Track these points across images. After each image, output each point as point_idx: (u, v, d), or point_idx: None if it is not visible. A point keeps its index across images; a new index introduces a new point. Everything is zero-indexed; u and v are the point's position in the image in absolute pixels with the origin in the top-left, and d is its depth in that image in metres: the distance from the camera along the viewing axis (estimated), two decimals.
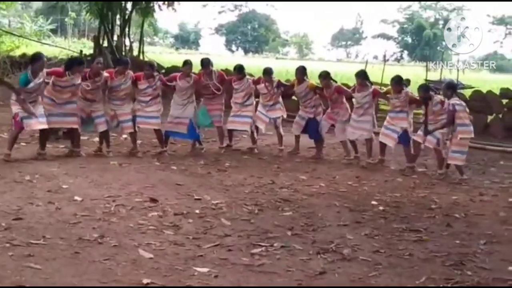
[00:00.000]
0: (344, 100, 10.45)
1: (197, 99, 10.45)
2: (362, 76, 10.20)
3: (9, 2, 32.83)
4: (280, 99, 10.79)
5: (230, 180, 8.38)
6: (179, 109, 10.08)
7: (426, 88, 9.85)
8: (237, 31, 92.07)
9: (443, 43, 59.90)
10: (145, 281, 4.51)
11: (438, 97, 9.51)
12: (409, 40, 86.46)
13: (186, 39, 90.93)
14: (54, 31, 55.38)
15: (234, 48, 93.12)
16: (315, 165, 9.85)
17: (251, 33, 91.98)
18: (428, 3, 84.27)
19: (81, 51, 25.16)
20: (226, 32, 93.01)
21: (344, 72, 22.93)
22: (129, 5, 24.68)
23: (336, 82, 10.74)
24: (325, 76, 10.40)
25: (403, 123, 9.77)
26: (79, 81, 9.04)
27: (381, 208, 7.27)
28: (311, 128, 10.64)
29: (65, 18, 58.69)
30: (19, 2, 45.03)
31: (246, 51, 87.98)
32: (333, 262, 5.22)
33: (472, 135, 9.32)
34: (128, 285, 4.45)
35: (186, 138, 10.48)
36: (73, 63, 9.20)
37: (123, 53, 23.49)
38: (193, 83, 10.08)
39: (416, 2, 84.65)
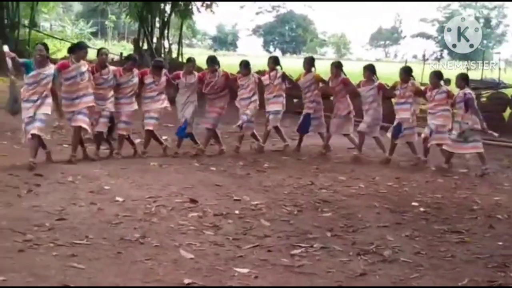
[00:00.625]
0: (347, 95, 10.54)
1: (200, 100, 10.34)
2: (370, 69, 10.33)
3: (51, 6, 33.46)
4: (283, 93, 10.65)
5: (269, 180, 8.40)
6: (180, 110, 10.05)
7: (438, 73, 9.99)
8: (275, 32, 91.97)
9: (484, 41, 58.89)
10: (186, 281, 4.55)
11: (446, 87, 9.82)
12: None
13: (224, 41, 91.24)
14: (94, 34, 56.09)
15: (271, 49, 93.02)
16: (354, 166, 9.80)
17: (288, 34, 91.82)
18: (468, 2, 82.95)
19: (121, 53, 25.52)
20: (264, 33, 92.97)
21: (383, 72, 22.72)
22: (168, 7, 24.91)
23: (345, 75, 10.77)
24: (337, 65, 10.62)
25: (405, 113, 9.92)
26: (85, 68, 8.77)
27: (422, 209, 7.20)
28: (303, 122, 10.74)
29: (105, 21, 59.40)
30: (60, 6, 45.76)
31: (283, 52, 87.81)
32: (373, 263, 5.19)
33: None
34: (170, 285, 4.50)
35: (178, 136, 10.23)
36: (75, 47, 9.09)
37: (162, 55, 23.72)
38: (196, 81, 10.02)
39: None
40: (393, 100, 11.05)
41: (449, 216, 6.93)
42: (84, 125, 8.76)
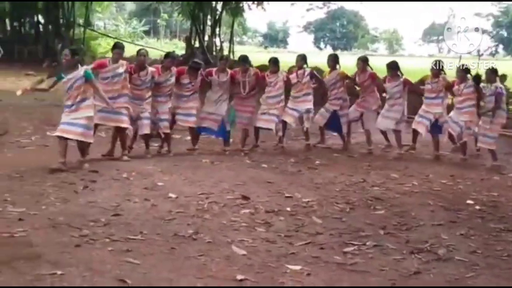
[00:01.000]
0: (375, 89, 10.50)
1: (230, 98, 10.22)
2: (393, 67, 10.28)
3: (105, 5, 34.09)
4: (311, 91, 10.50)
5: (321, 178, 8.36)
6: (213, 106, 9.88)
7: (465, 68, 9.96)
8: (326, 28, 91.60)
9: None
10: (239, 277, 4.58)
11: (471, 82, 9.80)
12: (505, 33, 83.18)
13: (274, 38, 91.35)
14: (147, 33, 56.95)
15: (322, 45, 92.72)
16: (407, 163, 9.67)
17: (339, 30, 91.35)
18: None
19: (173, 51, 25.79)
20: (315, 29, 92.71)
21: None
22: (219, 5, 25.06)
23: (372, 69, 10.73)
24: (364, 59, 10.60)
25: (438, 108, 9.97)
26: (123, 69, 8.71)
27: (477, 207, 7.07)
28: (333, 120, 10.65)
29: (158, 20, 60.26)
30: (114, 5, 46.56)
31: (334, 48, 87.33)
32: (427, 262, 5.12)
33: (505, 121, 9.87)
34: (223, 281, 4.53)
35: (215, 135, 10.22)
36: (114, 46, 9.16)
37: (214, 53, 23.90)
38: (228, 79, 9.90)
39: None
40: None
41: (505, 215, 6.78)
42: (124, 125, 8.80)
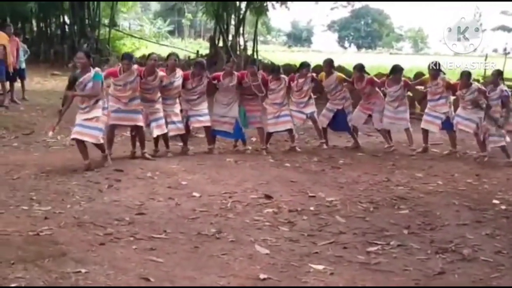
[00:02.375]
0: (378, 90, 10.59)
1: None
2: (397, 70, 10.41)
3: (130, 6, 34.32)
4: (312, 94, 10.56)
5: (344, 177, 8.33)
6: (224, 108, 9.85)
7: (468, 74, 9.97)
8: (350, 27, 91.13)
9: None
10: (262, 276, 4.58)
11: (476, 85, 9.95)
12: None
13: (298, 37, 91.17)
14: (171, 33, 57.20)
15: (346, 44, 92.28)
16: (431, 162, 9.60)
17: (364, 29, 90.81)
18: None
19: (197, 51, 25.91)
20: (339, 28, 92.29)
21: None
22: (243, 5, 25.06)
23: (368, 74, 10.81)
24: (359, 68, 10.58)
25: (444, 108, 10.14)
26: (133, 77, 8.63)
27: (503, 207, 6.99)
28: (340, 119, 10.63)
29: (182, 20, 60.47)
30: (139, 5, 46.84)
31: (359, 47, 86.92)
32: (452, 262, 5.08)
33: None
34: (246, 280, 4.54)
35: (232, 138, 10.27)
36: (122, 57, 9.05)
37: (238, 53, 23.92)
38: (236, 82, 9.82)
39: None
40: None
41: None
42: (140, 123, 8.81)
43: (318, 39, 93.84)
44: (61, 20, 29.53)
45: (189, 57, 24.59)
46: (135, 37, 35.75)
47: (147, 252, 5.05)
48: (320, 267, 4.85)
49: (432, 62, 10.43)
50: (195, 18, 54.20)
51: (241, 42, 25.55)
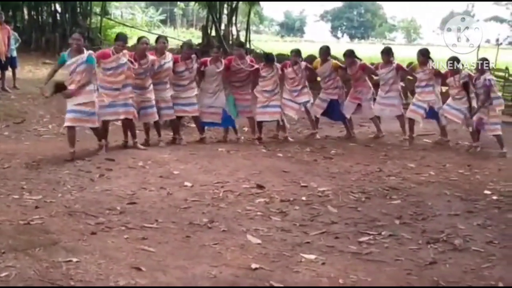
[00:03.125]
0: (367, 78, 10.61)
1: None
2: (386, 53, 10.44)
3: None
4: (307, 83, 10.52)
5: (336, 167, 8.34)
6: (210, 98, 9.73)
7: (455, 59, 10.01)
8: (343, 17, 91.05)
9: None
10: (253, 265, 4.58)
11: (466, 71, 9.96)
12: None
13: (291, 27, 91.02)
14: (163, 22, 56.98)
15: (339, 34, 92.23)
16: (423, 152, 9.60)
17: (357, 19, 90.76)
18: None
19: (190, 40, 25.78)
20: (332, 18, 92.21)
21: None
22: None
23: (360, 60, 10.77)
24: (349, 54, 10.59)
25: (430, 96, 10.14)
26: (125, 59, 8.53)
27: (494, 197, 7.00)
28: (335, 109, 10.64)
29: (174, 9, 60.24)
30: None
31: (351, 37, 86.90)
32: (443, 252, 5.09)
33: (503, 107, 10.35)
34: (237, 269, 4.53)
35: (221, 126, 10.16)
36: (116, 38, 8.87)
37: (230, 42, 23.86)
38: (223, 68, 9.68)
39: None
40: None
41: None
42: (131, 116, 8.74)
43: (310, 29, 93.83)
44: (53, 8, 29.31)
45: (181, 46, 24.49)
46: (127, 25, 35.57)
47: (138, 241, 5.03)
48: (312, 256, 4.85)
49: (421, 50, 10.46)
50: (188, 7, 54.01)
51: (234, 32, 25.50)
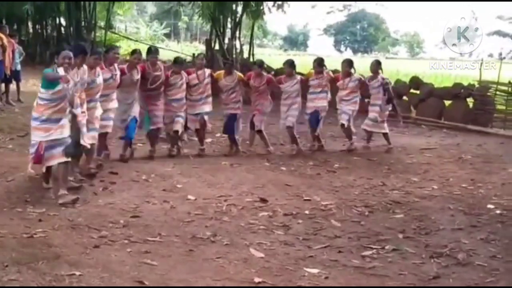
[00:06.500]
0: (269, 93, 10.39)
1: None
2: (290, 65, 10.46)
3: (126, 8, 34.29)
4: (210, 92, 9.97)
5: (340, 181, 8.34)
6: (124, 108, 8.74)
7: (349, 62, 10.73)
8: (346, 31, 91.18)
9: None
10: (256, 279, 4.58)
11: (357, 75, 10.67)
12: None
13: (294, 41, 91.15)
14: (167, 35, 57.15)
15: (342, 48, 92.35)
16: (427, 166, 9.60)
17: (360, 33, 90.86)
18: None
19: (193, 54, 25.87)
20: (335, 32, 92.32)
21: (457, 72, 22.13)
22: (239, 8, 25.08)
23: (268, 73, 10.79)
24: (260, 64, 10.54)
25: (323, 102, 10.36)
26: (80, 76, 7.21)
27: (498, 211, 6.99)
28: (230, 123, 10.06)
29: (178, 22, 60.43)
30: (135, 8, 46.83)
31: (354, 51, 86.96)
32: (447, 266, 5.09)
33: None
34: (240, 283, 4.53)
35: (125, 139, 9.01)
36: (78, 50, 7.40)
37: (234, 56, 23.90)
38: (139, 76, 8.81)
39: None
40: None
41: None
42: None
43: (314, 43, 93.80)
44: (57, 22, 29.46)
45: (185, 59, 24.56)
46: (131, 39, 35.66)
47: (141, 255, 5.03)
48: (315, 271, 4.84)
49: (316, 60, 10.65)
50: (191, 21, 54.15)
51: (237, 45, 25.54)
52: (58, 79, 6.63)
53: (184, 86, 9.53)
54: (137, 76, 8.78)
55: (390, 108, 10.84)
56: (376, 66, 10.75)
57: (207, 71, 9.88)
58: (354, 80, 10.45)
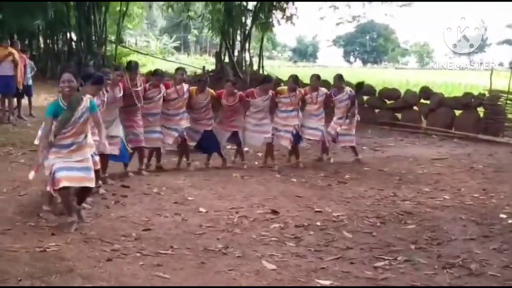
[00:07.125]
0: (242, 109, 10.19)
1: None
2: (263, 81, 10.44)
3: (136, 22, 34.52)
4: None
5: (351, 192, 8.33)
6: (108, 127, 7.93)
7: (295, 78, 10.38)
8: (355, 42, 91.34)
9: None
10: None
11: (324, 90, 10.54)
12: None
13: (304, 52, 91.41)
14: (177, 49, 57.46)
15: (352, 59, 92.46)
16: (438, 176, 9.58)
17: (369, 44, 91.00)
18: None
19: (203, 67, 26.01)
20: (344, 43, 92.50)
21: (467, 82, 22.11)
22: (249, 20, 25.22)
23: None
24: (233, 83, 10.43)
25: (296, 120, 10.19)
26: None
27: (510, 221, 6.96)
28: (210, 140, 9.90)
29: (188, 36, 60.76)
30: (145, 22, 47.10)
31: (364, 62, 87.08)
32: (460, 277, 5.06)
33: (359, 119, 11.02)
34: None
35: (119, 161, 8.72)
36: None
37: (243, 68, 24.00)
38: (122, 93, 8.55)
39: None
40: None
41: None
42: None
43: (323, 54, 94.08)
44: (68, 36, 29.72)
45: (195, 72, 24.68)
46: (142, 53, 35.92)
47: (154, 268, 5.05)
48: (327, 282, 4.84)
49: (291, 76, 10.48)
50: (201, 34, 54.40)
51: (247, 58, 25.65)
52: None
53: (161, 100, 9.27)
54: (119, 93, 8.45)
55: (357, 119, 10.82)
56: (338, 80, 10.73)
57: (186, 86, 9.59)
58: (322, 95, 10.38)
